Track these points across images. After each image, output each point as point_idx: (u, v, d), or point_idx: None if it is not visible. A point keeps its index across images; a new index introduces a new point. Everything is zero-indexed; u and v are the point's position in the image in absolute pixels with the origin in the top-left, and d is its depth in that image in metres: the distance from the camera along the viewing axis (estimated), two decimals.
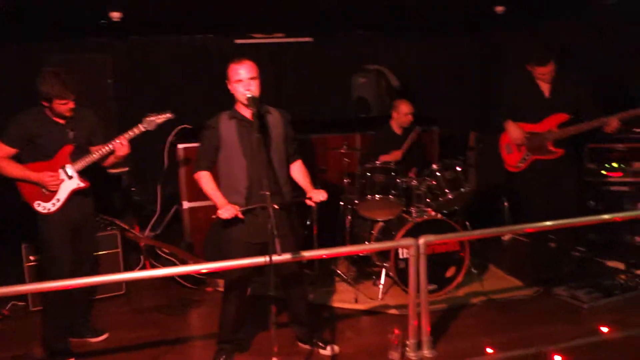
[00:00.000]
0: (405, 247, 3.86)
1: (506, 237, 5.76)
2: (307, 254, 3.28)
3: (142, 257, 5.07)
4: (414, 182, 4.66)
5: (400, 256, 4.37)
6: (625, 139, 5.04)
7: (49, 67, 3.46)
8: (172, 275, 4.77)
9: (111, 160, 3.73)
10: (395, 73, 7.22)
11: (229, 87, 3.33)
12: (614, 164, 5.10)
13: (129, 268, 4.94)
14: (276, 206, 3.10)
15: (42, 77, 3.39)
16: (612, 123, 4.21)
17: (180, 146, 5.29)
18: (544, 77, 4.39)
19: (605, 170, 5.13)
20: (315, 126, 6.07)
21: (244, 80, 3.22)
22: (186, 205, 5.36)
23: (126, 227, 4.86)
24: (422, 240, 3.37)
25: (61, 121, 3.55)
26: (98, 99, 6.02)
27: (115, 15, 5.06)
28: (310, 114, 6.78)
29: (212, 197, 3.35)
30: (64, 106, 3.46)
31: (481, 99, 7.44)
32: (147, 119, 3.65)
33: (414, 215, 4.58)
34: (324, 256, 4.04)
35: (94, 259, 3.96)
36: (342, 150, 5.01)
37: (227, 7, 5.27)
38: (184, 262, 4.89)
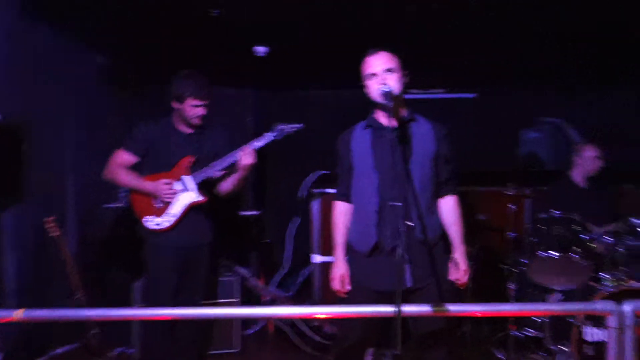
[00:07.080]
0: (601, 315, 2.70)
1: None
2: (454, 307, 2.24)
3: None
4: (609, 240, 3.47)
5: (588, 338, 3.18)
6: None
7: (185, 70, 3.21)
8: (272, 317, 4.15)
9: (233, 182, 3.25)
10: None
11: (365, 90, 2.60)
12: None
13: (245, 326, 4.34)
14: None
15: (177, 78, 3.16)
16: None
17: (316, 191, 4.73)
18: None
19: None
20: (473, 179, 5.10)
21: (378, 73, 2.49)
22: (318, 259, 4.68)
23: (247, 275, 4.29)
24: (629, 307, 2.22)
25: (188, 131, 3.25)
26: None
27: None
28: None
29: (334, 246, 2.67)
30: (195, 109, 3.15)
31: None
32: (277, 127, 3.21)
33: (607, 284, 3.39)
34: (478, 314, 3.00)
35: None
36: (508, 192, 3.83)
37: None
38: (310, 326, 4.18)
